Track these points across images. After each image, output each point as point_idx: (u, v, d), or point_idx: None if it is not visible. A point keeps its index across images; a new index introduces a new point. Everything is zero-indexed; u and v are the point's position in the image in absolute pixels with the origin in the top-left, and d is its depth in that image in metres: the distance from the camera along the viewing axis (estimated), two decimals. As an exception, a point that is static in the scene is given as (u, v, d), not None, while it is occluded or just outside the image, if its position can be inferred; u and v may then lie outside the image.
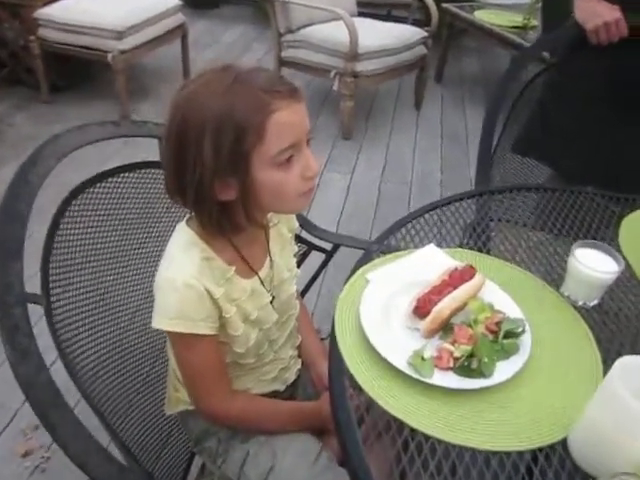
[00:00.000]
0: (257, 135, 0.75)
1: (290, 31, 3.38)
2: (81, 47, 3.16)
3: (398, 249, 1.07)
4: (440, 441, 0.74)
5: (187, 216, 0.90)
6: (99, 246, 1.01)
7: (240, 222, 0.83)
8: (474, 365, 0.80)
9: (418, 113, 3.80)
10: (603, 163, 1.61)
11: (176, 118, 0.77)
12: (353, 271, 1.01)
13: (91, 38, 3.12)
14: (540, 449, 0.74)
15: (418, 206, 1.22)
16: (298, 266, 1.23)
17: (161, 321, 0.84)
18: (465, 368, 0.80)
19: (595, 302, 0.98)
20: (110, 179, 1.01)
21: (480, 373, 0.80)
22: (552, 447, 0.75)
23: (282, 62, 3.49)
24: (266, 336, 0.99)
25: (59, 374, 0.77)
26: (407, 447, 0.75)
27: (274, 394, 1.06)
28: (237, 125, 0.74)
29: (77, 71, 3.56)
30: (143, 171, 1.06)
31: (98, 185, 0.97)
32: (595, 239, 1.01)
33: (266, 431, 1.00)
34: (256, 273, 0.94)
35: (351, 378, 0.81)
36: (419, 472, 0.73)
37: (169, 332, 0.86)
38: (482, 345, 0.81)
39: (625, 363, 0.68)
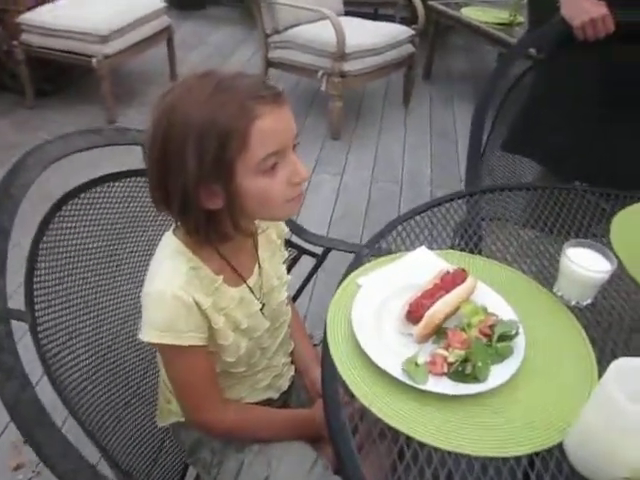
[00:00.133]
0: (241, 142, 0.74)
1: (277, 32, 3.37)
2: (65, 52, 3.13)
3: (389, 252, 1.06)
4: (436, 449, 0.73)
5: (173, 225, 0.88)
6: (85, 257, 0.99)
7: (227, 230, 0.82)
8: (468, 370, 0.79)
9: (407, 111, 3.80)
10: (592, 159, 1.60)
11: (159, 127, 0.76)
12: (344, 276, 0.99)
13: (75, 42, 3.09)
14: (537, 453, 0.73)
15: (409, 205, 1.22)
16: (289, 271, 1.22)
17: (149, 333, 0.82)
18: (459, 373, 0.80)
19: (588, 301, 0.97)
20: (95, 188, 0.99)
21: (474, 378, 0.79)
22: (549, 451, 0.74)
23: (269, 63, 3.47)
24: (257, 344, 0.98)
25: (45, 391, 0.76)
26: (403, 455, 0.74)
27: (267, 402, 1.05)
28: (220, 132, 0.73)
29: (62, 76, 3.53)
30: (129, 179, 1.04)
31: (82, 196, 0.95)
32: (586, 236, 1.01)
33: (260, 440, 0.99)
34: (244, 281, 0.92)
35: (344, 385, 0.80)
36: (415, 481, 0.72)
37: (158, 344, 0.84)
38: (476, 349, 0.81)
39: (620, 366, 0.67)
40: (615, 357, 0.80)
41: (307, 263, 1.34)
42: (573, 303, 0.96)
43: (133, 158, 1.00)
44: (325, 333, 0.88)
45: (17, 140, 2.99)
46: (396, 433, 0.75)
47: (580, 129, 1.62)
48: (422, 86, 4.10)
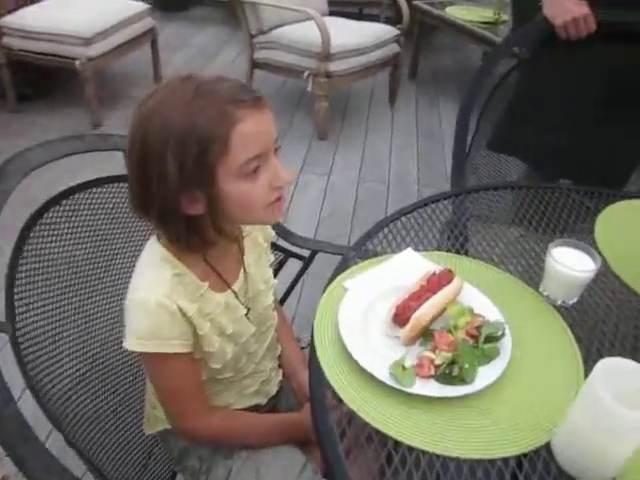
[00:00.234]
0: (222, 146, 0.73)
1: (262, 32, 3.36)
2: (48, 55, 3.10)
3: (376, 254, 1.06)
4: (424, 452, 0.73)
5: (158, 231, 0.87)
6: (69, 264, 0.98)
7: (209, 236, 0.81)
8: (455, 372, 0.79)
9: (393, 111, 3.80)
10: (577, 157, 1.61)
11: (138, 133, 0.75)
12: (331, 279, 0.99)
13: (58, 45, 3.06)
14: (524, 454, 0.74)
15: (396, 205, 1.22)
16: (275, 274, 1.21)
17: (133, 342, 0.82)
18: (446, 375, 0.80)
19: (574, 300, 0.97)
20: (77, 195, 0.98)
21: (461, 380, 0.79)
22: (537, 451, 0.74)
23: (255, 64, 3.46)
24: (244, 349, 0.97)
25: (28, 403, 0.74)
26: (391, 459, 0.74)
27: (256, 408, 1.04)
28: (200, 137, 0.72)
29: (46, 79, 3.49)
30: (112, 185, 1.03)
31: (64, 202, 0.94)
32: (571, 234, 1.01)
33: (249, 446, 0.98)
34: (229, 287, 0.92)
35: (332, 389, 0.80)
36: (403, 485, 0.71)
37: (142, 352, 0.83)
38: (463, 351, 0.81)
39: (606, 365, 0.67)
40: (601, 356, 0.81)
41: (294, 266, 1.34)
42: (559, 303, 0.97)
43: (115, 164, 0.99)
44: (312, 337, 0.88)
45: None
46: (384, 437, 0.74)
47: (564, 127, 1.62)
48: (408, 85, 4.11)
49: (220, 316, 0.89)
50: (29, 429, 0.64)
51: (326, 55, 3.11)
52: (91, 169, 1.09)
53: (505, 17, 3.62)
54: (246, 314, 0.95)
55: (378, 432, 0.75)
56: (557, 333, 0.91)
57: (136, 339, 0.81)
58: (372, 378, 0.80)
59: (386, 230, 1.14)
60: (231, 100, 0.74)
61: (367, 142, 3.42)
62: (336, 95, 3.61)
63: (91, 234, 1.02)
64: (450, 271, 0.93)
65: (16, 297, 0.84)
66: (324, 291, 0.96)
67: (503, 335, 0.85)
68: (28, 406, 0.70)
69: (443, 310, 0.87)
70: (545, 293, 0.98)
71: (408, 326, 0.84)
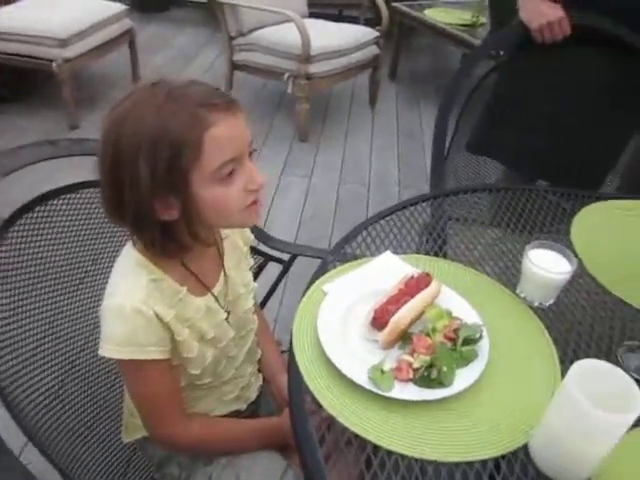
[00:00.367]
0: (195, 151, 0.73)
1: (241, 34, 3.34)
2: (24, 56, 3.04)
3: (355, 258, 1.06)
4: (403, 456, 0.73)
5: (133, 237, 0.86)
6: (45, 272, 0.97)
7: (185, 241, 0.81)
8: (434, 375, 0.80)
9: (373, 112, 3.81)
10: (555, 158, 1.63)
11: (110, 137, 0.74)
12: (310, 283, 0.99)
13: (34, 47, 3.01)
14: (502, 456, 0.74)
15: (377, 206, 1.23)
16: (255, 278, 1.21)
17: (108, 349, 0.81)
18: (425, 378, 0.80)
19: (551, 302, 0.98)
20: (52, 201, 0.97)
21: (440, 383, 0.79)
22: (514, 453, 0.74)
23: (234, 66, 3.44)
24: (223, 353, 0.96)
25: (2, 417, 0.73)
26: (370, 464, 0.74)
27: (235, 413, 1.03)
28: (173, 141, 0.72)
29: (23, 81, 3.43)
30: (86, 191, 1.01)
31: (37, 209, 0.93)
32: (549, 234, 1.02)
33: (229, 452, 0.98)
34: (209, 290, 0.91)
35: (311, 394, 0.79)
36: (383, 489, 0.71)
37: (118, 359, 0.82)
38: (441, 354, 0.81)
39: (581, 367, 0.68)
40: (577, 357, 0.82)
41: (274, 270, 1.33)
42: (536, 304, 0.98)
43: (91, 168, 0.98)
44: (291, 342, 0.87)
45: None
46: (363, 442, 0.74)
47: (542, 129, 1.64)
48: (388, 87, 4.13)
49: (200, 321, 0.88)
50: (2, 443, 0.63)
51: (306, 57, 3.10)
52: (68, 173, 1.08)
53: (483, 20, 3.65)
54: (226, 318, 0.94)
55: (357, 436, 0.75)
56: (534, 334, 0.92)
57: (111, 346, 0.80)
58: (351, 382, 0.80)
59: (365, 233, 1.14)
60: (203, 104, 0.74)
61: (348, 143, 3.42)
62: (317, 97, 3.61)
63: (67, 241, 1.01)
64: (428, 274, 0.93)
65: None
66: (303, 295, 0.96)
67: (481, 337, 0.86)
68: (2, 419, 0.69)
69: (421, 313, 0.88)
70: (522, 295, 0.99)
71: (386, 330, 0.84)
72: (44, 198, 0.95)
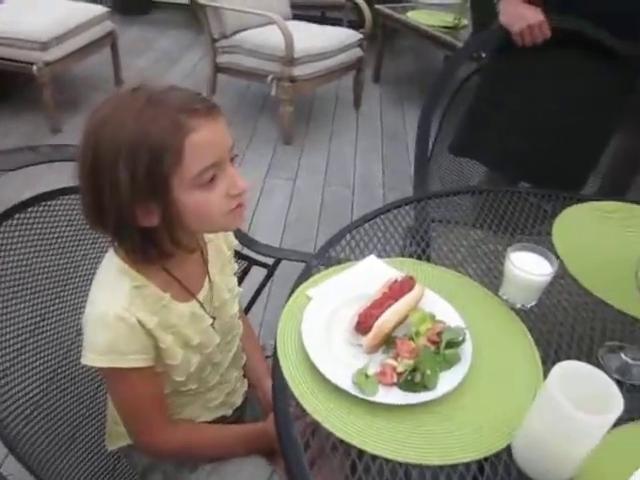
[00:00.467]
0: (175, 156, 0.72)
1: (224, 36, 3.33)
2: (4, 59, 3.01)
3: (339, 261, 1.06)
4: (387, 460, 0.73)
5: (116, 244, 0.86)
6: (23, 280, 0.95)
7: (167, 248, 0.80)
8: (417, 379, 0.80)
9: (358, 114, 3.82)
10: (537, 160, 1.65)
11: (90, 143, 0.74)
12: (294, 288, 0.99)
13: (13, 50, 2.98)
14: (486, 458, 0.75)
15: (362, 208, 1.23)
16: (239, 283, 1.20)
17: (91, 357, 0.80)
18: (409, 382, 0.80)
19: (533, 303, 0.99)
20: (32, 208, 0.95)
21: (424, 386, 0.80)
22: (497, 455, 0.75)
23: (218, 68, 3.43)
24: (209, 359, 0.96)
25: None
26: (355, 468, 0.74)
27: (221, 419, 1.03)
28: (152, 147, 0.71)
29: (3, 83, 3.39)
30: (67, 197, 1.00)
31: (17, 216, 0.91)
32: (531, 235, 1.03)
33: (214, 459, 0.97)
34: (194, 296, 0.91)
35: (295, 400, 0.79)
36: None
37: (100, 368, 0.82)
38: (424, 358, 0.81)
39: (563, 368, 0.69)
40: (559, 358, 0.83)
41: (258, 274, 1.33)
42: (518, 306, 0.99)
43: (71, 174, 0.97)
44: (275, 347, 0.87)
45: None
46: (348, 446, 0.74)
47: (524, 131, 1.66)
48: (372, 88, 4.14)
49: (185, 327, 0.88)
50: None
51: (290, 59, 3.10)
52: (49, 179, 1.07)
53: (465, 22, 3.68)
54: (212, 324, 0.94)
55: (342, 442, 0.75)
56: (517, 336, 0.93)
57: (94, 354, 0.80)
58: (335, 387, 0.80)
59: (349, 237, 1.14)
60: (184, 109, 0.73)
61: (332, 146, 3.43)
62: (301, 99, 3.61)
63: (49, 248, 1.00)
64: (412, 278, 0.93)
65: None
66: (287, 300, 0.96)
67: (464, 340, 0.86)
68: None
69: (405, 317, 0.88)
70: (504, 297, 1.00)
71: (370, 334, 0.84)
72: (24, 205, 0.94)
